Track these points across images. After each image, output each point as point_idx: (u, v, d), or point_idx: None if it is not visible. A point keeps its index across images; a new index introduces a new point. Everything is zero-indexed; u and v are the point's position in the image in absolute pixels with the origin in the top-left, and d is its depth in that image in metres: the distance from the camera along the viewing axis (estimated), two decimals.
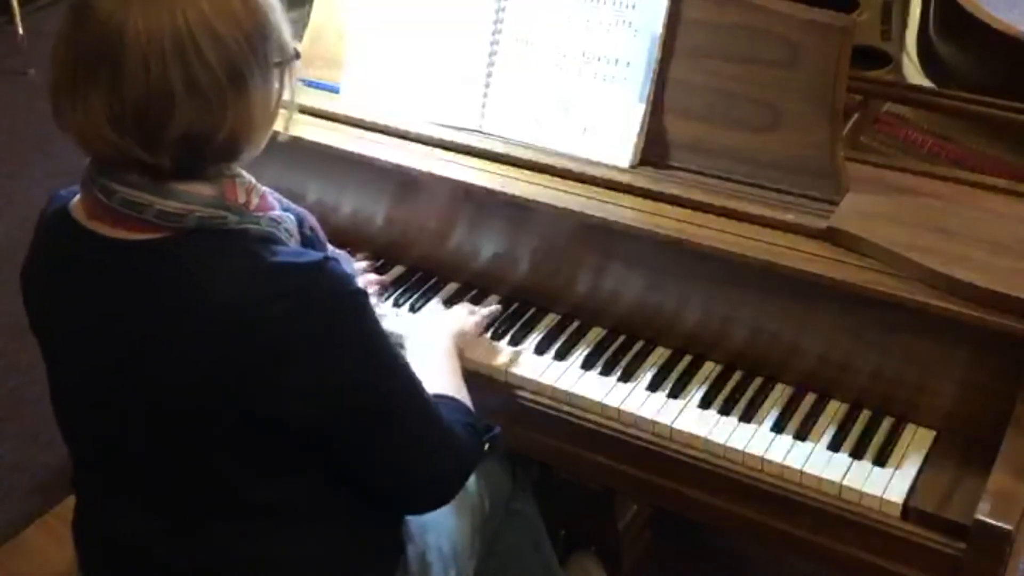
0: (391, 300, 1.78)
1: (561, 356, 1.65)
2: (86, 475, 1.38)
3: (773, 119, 1.56)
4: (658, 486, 1.56)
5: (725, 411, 1.55)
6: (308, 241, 1.32)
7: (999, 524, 1.29)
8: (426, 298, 1.78)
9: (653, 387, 1.59)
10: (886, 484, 1.42)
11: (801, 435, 1.50)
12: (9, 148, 3.68)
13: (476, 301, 1.76)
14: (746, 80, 1.57)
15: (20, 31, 4.14)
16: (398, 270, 1.85)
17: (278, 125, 1.28)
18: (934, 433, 1.49)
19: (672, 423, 1.54)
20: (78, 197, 1.25)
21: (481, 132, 1.75)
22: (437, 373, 1.48)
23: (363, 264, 1.83)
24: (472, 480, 1.61)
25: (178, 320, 1.17)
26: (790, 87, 1.54)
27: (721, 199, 1.57)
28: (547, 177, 1.67)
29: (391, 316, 1.75)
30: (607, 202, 1.61)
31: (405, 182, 1.76)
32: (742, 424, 1.53)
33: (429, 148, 1.76)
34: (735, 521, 1.53)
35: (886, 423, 1.51)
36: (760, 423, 1.53)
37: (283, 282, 1.17)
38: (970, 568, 1.34)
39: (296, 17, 2.10)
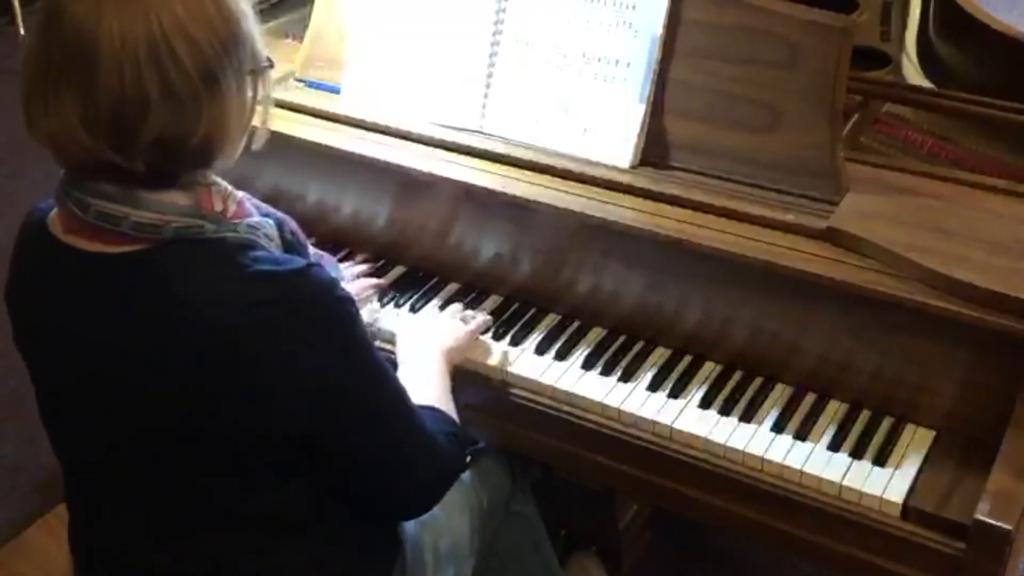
0: (392, 300, 1.78)
1: (561, 356, 1.66)
2: (77, 486, 1.38)
3: (773, 120, 1.56)
4: (658, 486, 1.56)
5: (725, 411, 1.55)
6: (290, 245, 1.31)
7: (999, 524, 1.29)
8: (427, 298, 1.79)
9: (653, 387, 1.59)
10: (886, 484, 1.42)
11: (801, 435, 1.50)
12: (9, 148, 3.68)
13: (477, 301, 1.76)
14: (746, 81, 1.57)
15: (21, 31, 4.15)
16: (399, 270, 1.85)
17: (256, 121, 1.26)
18: (934, 433, 1.49)
19: (672, 423, 1.54)
20: (55, 211, 1.23)
21: (482, 132, 1.75)
22: (424, 382, 1.47)
23: (362, 268, 1.83)
24: (471, 480, 1.62)
25: (159, 332, 1.16)
26: (790, 88, 1.55)
27: (721, 199, 1.57)
28: (547, 177, 1.67)
29: (391, 316, 1.75)
30: (607, 202, 1.61)
31: (406, 182, 1.76)
32: (742, 424, 1.53)
33: (430, 148, 1.76)
34: (735, 521, 1.53)
35: (886, 423, 1.51)
36: (760, 423, 1.53)
37: (265, 290, 1.16)
38: (970, 568, 1.34)
39: (297, 17, 2.11)
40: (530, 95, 1.71)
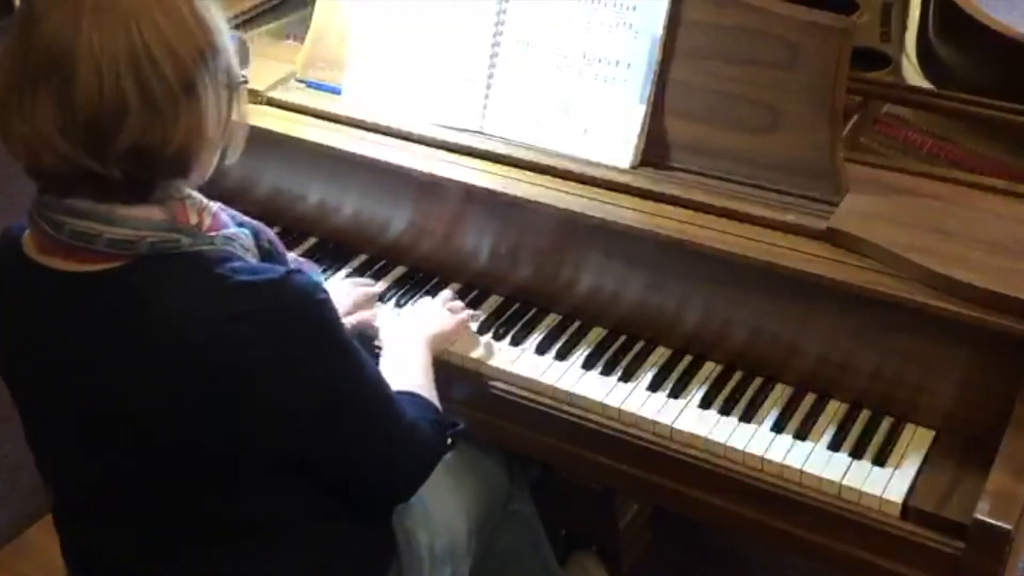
0: (392, 301, 1.79)
1: (562, 356, 1.66)
2: (67, 505, 1.38)
3: (773, 120, 1.57)
4: (658, 486, 1.57)
5: (725, 411, 1.55)
6: (267, 254, 1.31)
7: (998, 524, 1.29)
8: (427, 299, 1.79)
9: (654, 387, 1.60)
10: (885, 484, 1.42)
11: (801, 435, 1.51)
12: None
13: (477, 301, 1.77)
14: (746, 81, 1.58)
15: None
16: (399, 270, 1.85)
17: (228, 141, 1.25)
18: (933, 433, 1.49)
19: (672, 423, 1.54)
20: (28, 232, 1.22)
21: (482, 133, 1.75)
22: (406, 368, 1.49)
23: (359, 280, 1.81)
24: (468, 480, 1.62)
25: (139, 349, 1.16)
26: (790, 88, 1.55)
27: (721, 200, 1.58)
28: (548, 178, 1.68)
29: (391, 316, 1.75)
30: (608, 203, 1.62)
31: (406, 183, 1.77)
32: (742, 424, 1.53)
33: (430, 149, 1.76)
34: (735, 521, 1.53)
35: (886, 423, 1.51)
36: (760, 423, 1.53)
37: (244, 302, 1.16)
38: (969, 567, 1.35)
39: (298, 18, 2.11)
40: (531, 96, 1.71)
